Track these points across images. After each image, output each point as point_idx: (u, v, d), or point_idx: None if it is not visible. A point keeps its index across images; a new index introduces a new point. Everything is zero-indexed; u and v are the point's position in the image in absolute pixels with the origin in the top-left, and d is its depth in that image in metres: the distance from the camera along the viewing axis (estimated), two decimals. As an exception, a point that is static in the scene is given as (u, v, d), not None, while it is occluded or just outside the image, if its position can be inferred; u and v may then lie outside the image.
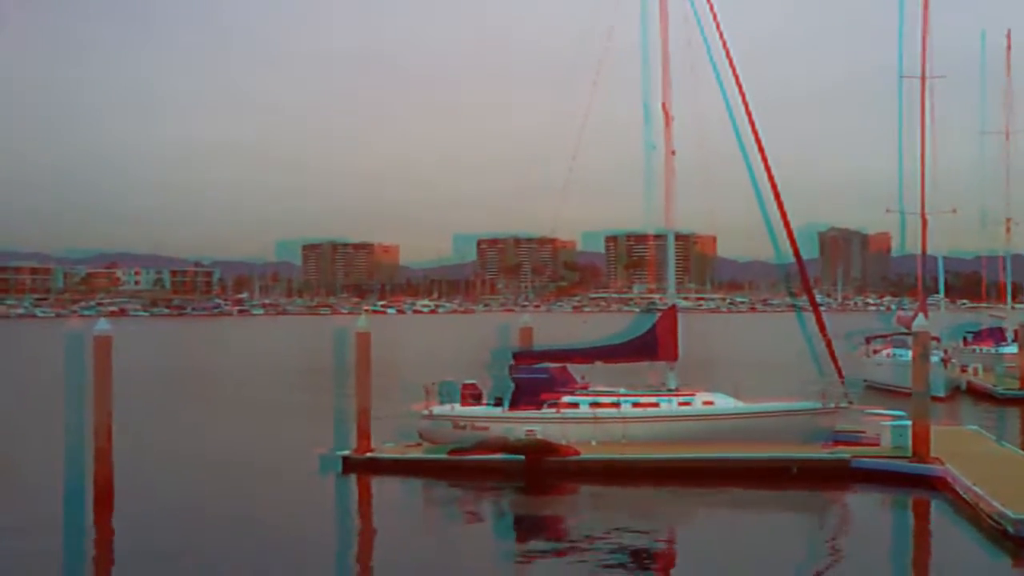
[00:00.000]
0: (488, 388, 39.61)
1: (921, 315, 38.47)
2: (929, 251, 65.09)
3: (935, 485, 30.98)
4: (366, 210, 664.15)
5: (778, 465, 33.62)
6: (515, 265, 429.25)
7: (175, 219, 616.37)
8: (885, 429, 34.94)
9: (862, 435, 35.87)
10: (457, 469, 34.70)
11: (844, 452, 34.08)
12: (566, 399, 37.64)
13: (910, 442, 33.07)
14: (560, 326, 67.13)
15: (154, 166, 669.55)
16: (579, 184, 41.87)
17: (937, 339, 57.71)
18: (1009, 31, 76.17)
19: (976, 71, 75.25)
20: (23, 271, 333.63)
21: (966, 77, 74.79)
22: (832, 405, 36.20)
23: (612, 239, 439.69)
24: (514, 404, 37.81)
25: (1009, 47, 75.61)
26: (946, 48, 64.47)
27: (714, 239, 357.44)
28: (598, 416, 36.62)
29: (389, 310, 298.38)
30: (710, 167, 39.80)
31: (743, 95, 38.17)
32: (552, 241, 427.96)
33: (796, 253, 39.59)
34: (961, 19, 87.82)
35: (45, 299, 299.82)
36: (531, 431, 36.04)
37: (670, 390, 38.53)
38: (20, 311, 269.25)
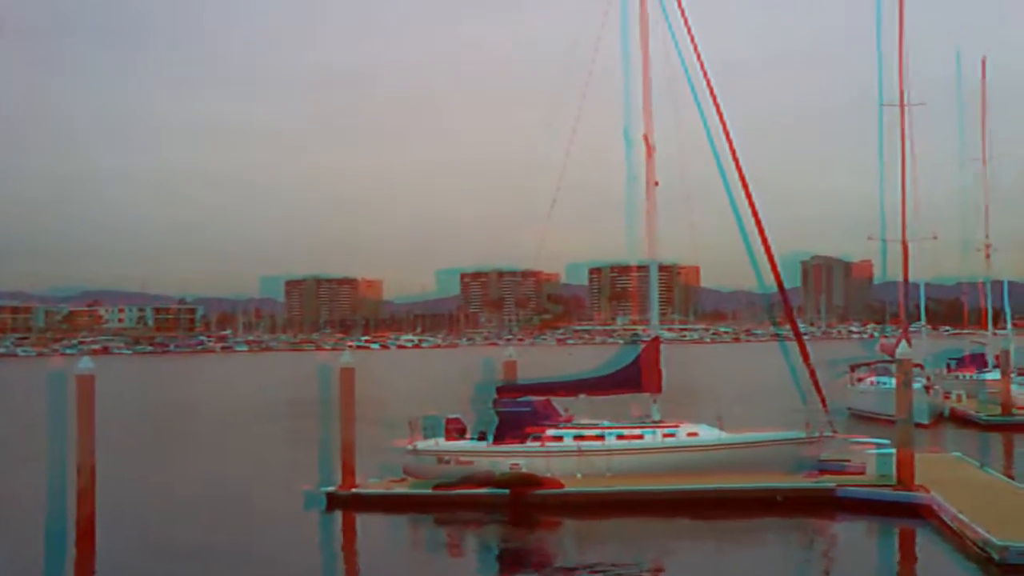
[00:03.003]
0: (472, 422, 39.52)
1: (904, 342, 38.56)
2: (911, 278, 65.40)
3: (920, 513, 30.98)
4: (349, 245, 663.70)
5: (763, 495, 33.62)
6: (498, 299, 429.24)
7: (158, 256, 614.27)
8: (870, 457, 34.98)
9: (847, 464, 35.90)
10: (442, 504, 34.57)
11: (829, 481, 34.10)
12: (550, 432, 37.57)
13: (895, 470, 33.11)
14: (544, 359, 66.96)
15: (135, 201, 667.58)
16: (562, 216, 41.97)
17: (920, 366, 57.90)
18: (984, 59, 76.80)
19: (954, 98, 75.89)
20: (4, 310, 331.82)
21: (944, 104, 75.38)
22: (816, 434, 36.23)
23: (596, 271, 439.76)
24: (498, 438, 37.73)
25: (984, 75, 76.22)
26: (925, 76, 65.01)
27: (697, 269, 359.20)
28: (582, 449, 36.54)
29: (373, 345, 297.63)
30: (692, 197, 40.02)
31: (724, 125, 38.41)
32: (535, 274, 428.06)
33: (779, 282, 39.73)
34: (938, 46, 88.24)
35: (27, 338, 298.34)
36: (515, 464, 35.98)
37: (654, 422, 38.50)
38: (1, 350, 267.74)
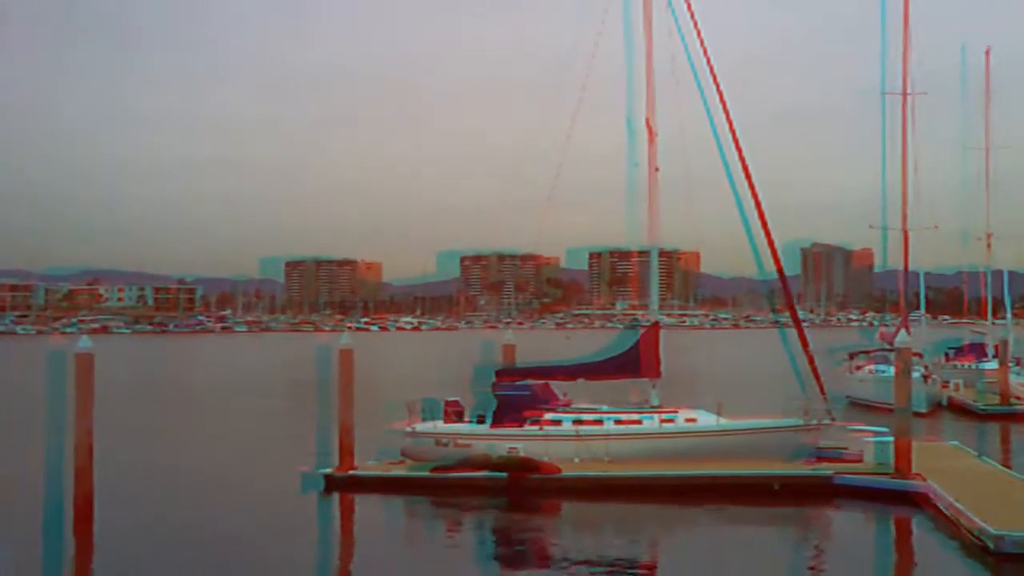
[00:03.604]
0: (471, 405, 39.56)
1: (903, 331, 38.57)
2: (911, 267, 65.41)
3: (917, 501, 31.06)
4: (349, 227, 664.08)
5: (761, 482, 33.66)
6: (498, 282, 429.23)
7: (158, 236, 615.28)
8: (867, 445, 35.04)
9: (844, 451, 35.97)
10: (440, 486, 34.62)
11: (827, 468, 34.15)
12: (549, 416, 37.61)
13: (892, 458, 33.17)
14: (543, 343, 67.15)
15: (137, 182, 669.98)
16: (563, 200, 41.98)
17: (919, 355, 57.94)
18: (988, 48, 76.70)
19: (957, 87, 75.86)
20: (3, 288, 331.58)
21: (948, 94, 75.37)
22: (815, 421, 36.27)
23: (595, 255, 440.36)
24: (497, 421, 37.78)
25: (988, 64, 76.11)
26: (928, 65, 64.91)
27: (698, 255, 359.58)
28: (581, 433, 36.58)
29: (372, 327, 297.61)
30: (694, 184, 39.98)
31: (727, 112, 38.37)
32: (535, 258, 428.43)
33: (779, 269, 39.70)
34: (942, 36, 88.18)
35: (26, 316, 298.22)
36: (514, 448, 36.05)
37: (653, 407, 38.53)
38: (1, 328, 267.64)
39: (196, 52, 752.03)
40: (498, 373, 40.17)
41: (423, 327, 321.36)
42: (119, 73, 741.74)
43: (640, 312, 45.89)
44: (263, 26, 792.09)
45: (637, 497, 33.30)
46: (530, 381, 39.34)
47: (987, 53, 76.53)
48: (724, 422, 37.34)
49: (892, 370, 40.14)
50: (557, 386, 40.01)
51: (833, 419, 37.05)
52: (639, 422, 37.51)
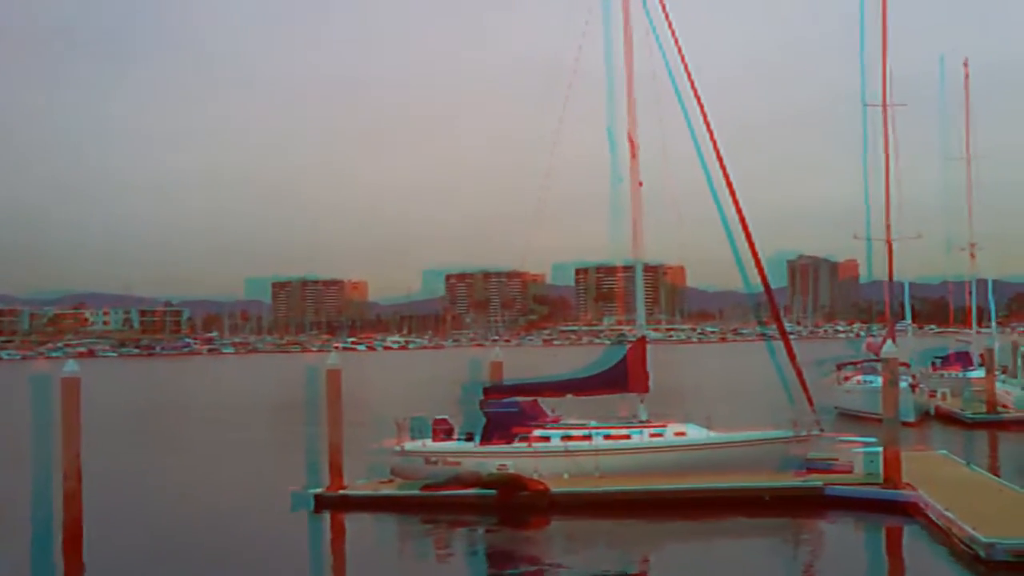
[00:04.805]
0: (459, 423, 39.48)
1: (890, 341, 38.68)
2: (896, 277, 65.62)
3: (907, 510, 31.09)
4: (335, 247, 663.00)
5: (751, 494, 33.67)
6: (484, 300, 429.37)
7: (143, 257, 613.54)
8: (857, 456, 35.07)
9: (834, 462, 35.98)
10: (430, 505, 34.53)
11: (817, 480, 34.17)
12: (537, 433, 37.54)
13: (882, 468, 33.21)
14: (530, 360, 66.98)
15: (120, 202, 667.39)
16: (548, 216, 41.96)
17: (906, 365, 58.06)
18: (966, 59, 77.14)
19: (936, 98, 76.30)
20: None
21: (928, 104, 75.83)
22: (804, 433, 36.28)
23: (582, 271, 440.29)
24: (485, 438, 37.70)
25: (967, 75, 76.55)
26: (908, 76, 65.27)
27: (683, 270, 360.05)
28: (570, 449, 36.54)
29: (359, 347, 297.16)
30: (678, 197, 39.99)
31: (708, 124, 38.37)
32: (521, 275, 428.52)
33: (765, 282, 39.73)
34: (921, 48, 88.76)
35: (11, 341, 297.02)
36: (503, 465, 35.97)
37: (641, 422, 38.50)
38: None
39: (183, 70, 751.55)
40: (486, 390, 40.09)
41: (410, 346, 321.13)
42: (105, 90, 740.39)
43: (627, 327, 45.96)
44: (249, 44, 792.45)
45: (627, 512, 33.25)
46: (518, 398, 39.22)
47: (965, 64, 77.02)
48: (713, 435, 37.33)
49: (879, 380, 40.16)
50: (545, 402, 39.89)
51: (822, 430, 37.09)
52: (628, 437, 37.47)
